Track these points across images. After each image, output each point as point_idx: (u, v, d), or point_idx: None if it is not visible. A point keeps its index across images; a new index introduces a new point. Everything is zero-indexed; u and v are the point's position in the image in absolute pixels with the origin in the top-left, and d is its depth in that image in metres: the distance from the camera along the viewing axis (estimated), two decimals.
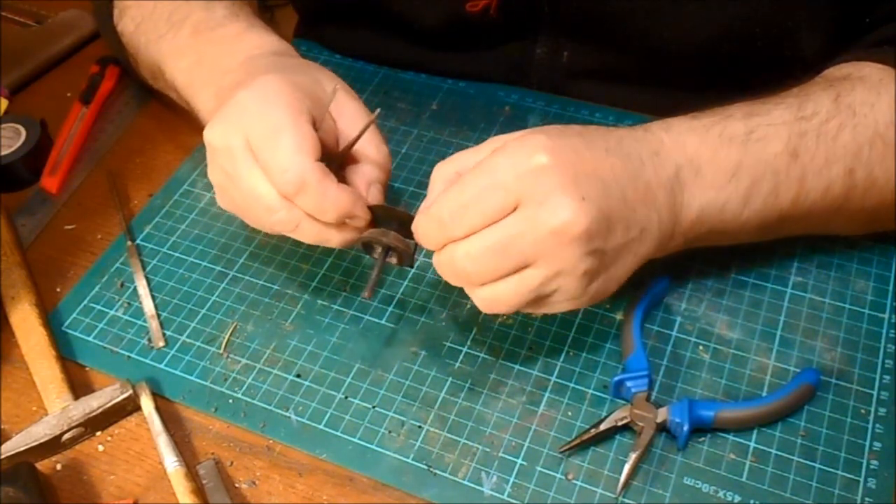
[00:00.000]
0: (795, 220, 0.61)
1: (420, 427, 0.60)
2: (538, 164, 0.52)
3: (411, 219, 0.57)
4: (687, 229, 0.58)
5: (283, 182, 0.55)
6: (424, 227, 0.56)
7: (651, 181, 0.56)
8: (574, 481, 0.57)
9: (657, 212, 0.56)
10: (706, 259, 0.68)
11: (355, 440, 0.60)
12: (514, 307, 0.55)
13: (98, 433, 0.62)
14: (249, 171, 0.57)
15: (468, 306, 0.66)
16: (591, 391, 0.62)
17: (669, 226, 0.57)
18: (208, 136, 0.59)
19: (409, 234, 0.58)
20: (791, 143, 0.58)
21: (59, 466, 0.60)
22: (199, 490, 0.58)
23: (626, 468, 0.56)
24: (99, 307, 0.69)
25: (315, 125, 0.58)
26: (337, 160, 0.61)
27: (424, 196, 0.73)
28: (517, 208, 0.52)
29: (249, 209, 0.59)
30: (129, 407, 0.62)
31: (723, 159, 0.58)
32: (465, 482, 0.58)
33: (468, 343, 0.65)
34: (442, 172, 0.58)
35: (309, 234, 0.58)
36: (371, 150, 0.62)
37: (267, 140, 0.56)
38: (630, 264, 0.56)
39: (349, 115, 0.62)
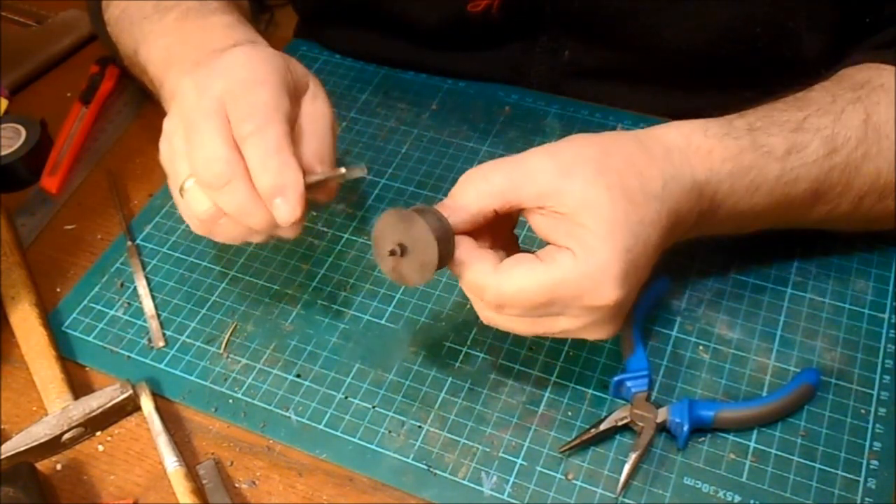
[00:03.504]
0: (795, 225, 0.63)
1: (420, 427, 0.60)
2: (607, 302, 0.51)
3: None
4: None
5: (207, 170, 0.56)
6: (480, 294, 0.54)
7: (677, 234, 0.56)
8: (574, 481, 0.57)
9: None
10: (706, 259, 0.68)
11: (355, 440, 0.60)
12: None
13: (98, 433, 0.62)
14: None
15: (468, 306, 0.66)
16: (591, 391, 0.62)
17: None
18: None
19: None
20: (818, 180, 0.58)
21: (59, 466, 0.60)
22: (199, 490, 0.58)
23: (626, 468, 0.56)
24: (99, 307, 0.69)
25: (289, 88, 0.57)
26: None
27: (424, 196, 0.74)
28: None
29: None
30: (129, 407, 0.62)
31: (750, 204, 0.58)
32: (465, 482, 0.58)
33: (468, 343, 0.65)
34: (476, 188, 0.53)
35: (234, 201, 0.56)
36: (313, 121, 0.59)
37: (191, 128, 0.57)
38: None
39: (315, 115, 0.60)
